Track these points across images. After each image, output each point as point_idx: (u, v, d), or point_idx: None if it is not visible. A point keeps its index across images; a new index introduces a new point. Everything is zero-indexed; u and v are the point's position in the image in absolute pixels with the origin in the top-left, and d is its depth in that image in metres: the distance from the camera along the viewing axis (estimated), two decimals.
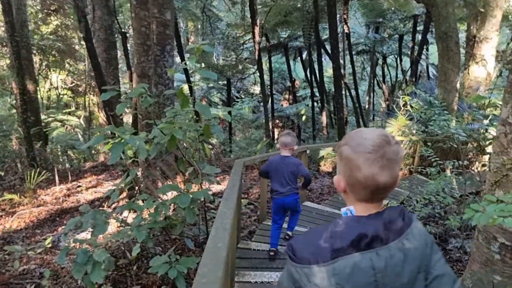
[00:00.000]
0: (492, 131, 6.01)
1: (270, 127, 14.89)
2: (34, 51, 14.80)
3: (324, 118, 15.04)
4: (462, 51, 11.88)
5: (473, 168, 8.96)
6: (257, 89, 23.24)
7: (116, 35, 12.40)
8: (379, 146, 1.00)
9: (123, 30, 12.95)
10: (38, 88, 13.41)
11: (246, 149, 13.22)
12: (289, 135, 3.89)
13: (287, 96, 23.66)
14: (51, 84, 18.67)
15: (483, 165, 7.83)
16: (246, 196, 7.38)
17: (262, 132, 16.65)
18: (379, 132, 1.04)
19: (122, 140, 3.19)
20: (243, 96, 22.90)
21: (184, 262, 3.10)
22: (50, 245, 4.95)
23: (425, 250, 1.04)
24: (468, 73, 11.74)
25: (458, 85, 10.06)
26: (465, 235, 4.93)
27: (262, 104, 15.35)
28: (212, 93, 20.50)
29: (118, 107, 3.38)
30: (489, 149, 6.37)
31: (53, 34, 15.86)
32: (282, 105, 22.55)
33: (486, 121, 6.17)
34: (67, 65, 17.81)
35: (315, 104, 17.05)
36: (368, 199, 1.05)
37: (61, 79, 18.82)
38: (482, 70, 11.49)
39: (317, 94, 16.50)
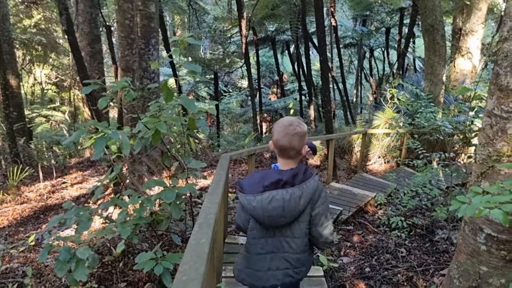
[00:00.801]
0: (478, 123, 6.04)
1: (258, 121, 14.83)
2: (17, 45, 14.47)
3: (312, 112, 15.01)
4: (448, 44, 11.97)
5: (459, 160, 9.06)
6: (244, 83, 23.13)
7: (100, 29, 12.15)
8: (284, 126, 1.82)
9: (107, 24, 12.69)
10: (21, 83, 13.12)
11: (234, 143, 13.16)
12: None
13: (275, 90, 23.62)
14: (35, 79, 18.33)
15: (469, 157, 7.90)
16: (234, 190, 7.33)
17: (250, 126, 16.58)
18: (289, 119, 1.86)
19: (105, 135, 3.12)
20: (230, 90, 22.74)
21: (171, 258, 3.04)
22: (33, 243, 4.83)
23: (315, 194, 1.82)
24: (454, 66, 11.83)
25: (444, 78, 10.12)
26: (452, 226, 4.97)
27: (250, 98, 15.26)
28: (200, 87, 20.32)
29: (100, 101, 3.29)
30: (475, 140, 6.41)
31: (35, 28, 15.52)
32: (270, 99, 22.50)
33: (472, 113, 6.19)
34: (50, 59, 17.47)
35: (303, 97, 17.03)
36: (281, 154, 1.87)
37: (45, 74, 18.49)
38: (467, 62, 11.59)
39: (305, 87, 16.47)
